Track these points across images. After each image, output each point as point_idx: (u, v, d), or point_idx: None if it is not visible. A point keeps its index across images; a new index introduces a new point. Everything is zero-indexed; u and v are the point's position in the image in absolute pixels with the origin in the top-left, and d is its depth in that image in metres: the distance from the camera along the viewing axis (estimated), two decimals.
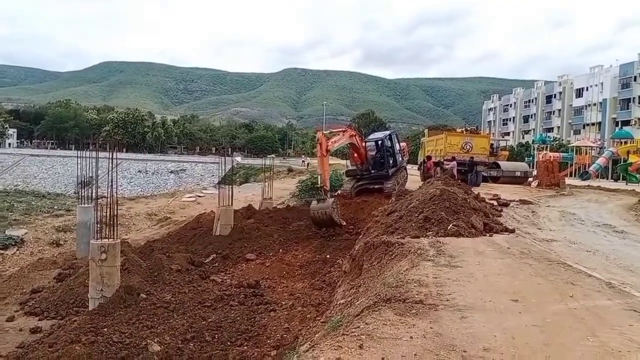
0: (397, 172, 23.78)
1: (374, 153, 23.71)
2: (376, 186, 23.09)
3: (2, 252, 20.50)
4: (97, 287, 10.43)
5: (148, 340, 8.69)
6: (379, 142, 24.00)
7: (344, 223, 18.44)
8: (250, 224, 19.23)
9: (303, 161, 58.35)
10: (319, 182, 18.52)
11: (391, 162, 23.66)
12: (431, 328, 5.09)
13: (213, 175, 49.93)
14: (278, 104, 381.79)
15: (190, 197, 33.91)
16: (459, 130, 39.60)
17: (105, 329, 9.07)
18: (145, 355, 8.22)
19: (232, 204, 19.15)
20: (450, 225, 10.39)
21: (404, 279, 6.83)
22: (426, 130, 41.06)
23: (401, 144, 26.34)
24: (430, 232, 10.16)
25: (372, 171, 23.42)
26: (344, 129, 22.43)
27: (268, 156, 53.41)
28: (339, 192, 24.82)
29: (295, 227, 19.31)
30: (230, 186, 20.14)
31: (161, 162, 60.42)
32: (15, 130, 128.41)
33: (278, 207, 24.39)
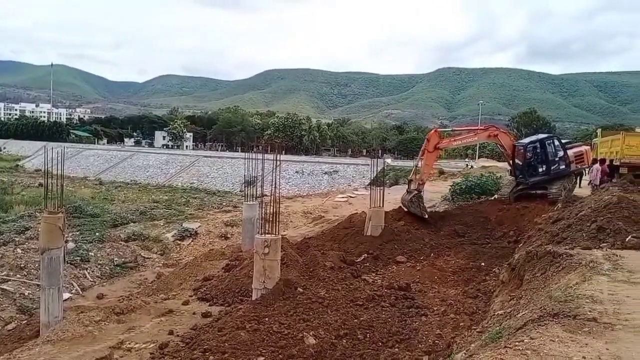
0: (550, 182, 21.21)
1: (529, 156, 21.78)
2: (538, 191, 21.32)
3: (179, 242, 23.15)
4: (260, 278, 11.23)
5: (304, 333, 9.13)
6: (528, 146, 21.91)
7: (427, 216, 19.69)
8: (401, 226, 19.11)
9: (467, 164, 56.22)
10: (410, 175, 20.89)
11: (541, 170, 21.36)
12: (607, 349, 4.57)
13: (364, 177, 50.72)
14: (430, 104, 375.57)
15: (343, 197, 34.76)
16: (638, 130, 34.98)
17: (267, 319, 9.73)
18: (301, 347, 8.65)
19: (383, 205, 19.24)
20: (630, 236, 9.22)
21: (574, 294, 6.24)
22: (599, 130, 36.95)
23: (577, 149, 22.92)
24: (605, 244, 9.13)
25: (520, 176, 21.72)
26: (482, 128, 22.11)
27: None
28: (495, 196, 23.51)
29: (447, 232, 18.75)
30: (381, 187, 20.24)
31: (316, 163, 62.94)
32: (191, 134, 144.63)
33: (429, 210, 23.90)
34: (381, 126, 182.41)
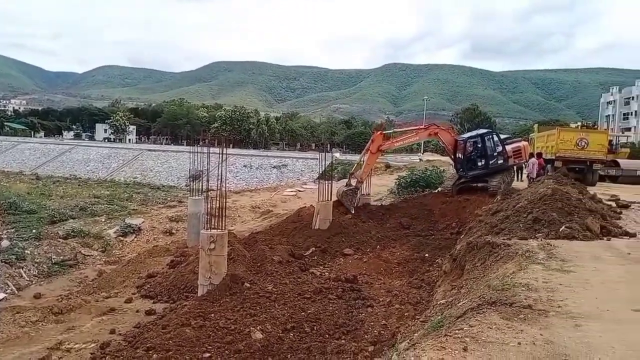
0: (490, 175, 21.85)
1: (469, 150, 22.62)
2: (479, 184, 22.10)
3: (122, 238, 22.47)
4: (206, 274, 11.06)
5: (251, 328, 9.08)
6: (468, 141, 22.78)
7: (352, 211, 20.08)
8: (349, 220, 19.35)
9: (420, 158, 57.38)
10: (353, 169, 21.93)
11: (480, 164, 22.22)
12: (541, 335, 4.80)
13: (312, 171, 50.72)
14: (377, 100, 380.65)
15: (291, 191, 34.75)
16: (572, 125, 36.97)
17: (213, 315, 9.61)
18: (248, 342, 8.60)
19: (331, 199, 19.41)
20: (563, 227, 9.71)
21: (511, 282, 6.51)
22: (536, 126, 38.69)
23: (516, 145, 23.98)
24: (540, 234, 9.58)
25: (461, 170, 22.56)
26: (423, 127, 22.98)
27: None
28: (439, 189, 24.17)
29: (393, 224, 19.14)
30: (330, 181, 20.41)
31: (264, 157, 62.45)
32: (134, 127, 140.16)
33: (375, 203, 24.30)
34: (330, 120, 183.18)
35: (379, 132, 21.94)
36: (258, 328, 9.10)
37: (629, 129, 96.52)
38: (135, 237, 22.64)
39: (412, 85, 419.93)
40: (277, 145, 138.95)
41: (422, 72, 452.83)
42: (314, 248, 16.51)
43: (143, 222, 24.11)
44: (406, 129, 24.56)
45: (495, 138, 22.75)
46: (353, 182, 20.95)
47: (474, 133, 24.29)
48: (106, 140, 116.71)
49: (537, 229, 9.89)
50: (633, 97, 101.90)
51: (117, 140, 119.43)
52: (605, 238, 9.81)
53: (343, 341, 8.83)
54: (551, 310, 5.53)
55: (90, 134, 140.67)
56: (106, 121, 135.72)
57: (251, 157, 62.27)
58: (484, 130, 24.29)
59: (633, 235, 10.21)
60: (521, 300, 5.77)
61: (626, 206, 14.72)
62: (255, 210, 28.14)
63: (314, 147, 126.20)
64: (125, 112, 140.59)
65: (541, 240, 9.21)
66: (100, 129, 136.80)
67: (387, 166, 46.43)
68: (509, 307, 5.56)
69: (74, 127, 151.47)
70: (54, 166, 65.99)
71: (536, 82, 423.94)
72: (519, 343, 4.58)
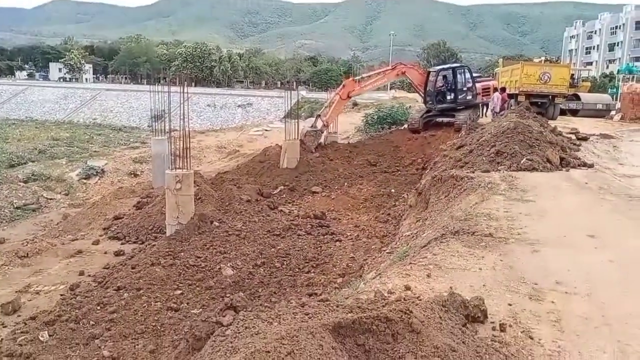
0: (457, 110, 21.77)
1: (440, 84, 22.70)
2: (445, 120, 22.24)
3: (85, 181, 22.00)
4: (174, 214, 11.01)
5: (222, 265, 9.20)
6: (440, 73, 22.89)
7: (313, 151, 19.96)
8: (316, 158, 19.40)
9: (393, 95, 57.19)
10: (321, 110, 21.78)
11: (449, 98, 22.33)
12: (501, 261, 5.02)
13: (279, 110, 50.18)
14: (343, 35, 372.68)
15: (257, 130, 34.39)
16: (536, 60, 37.20)
17: (182, 253, 9.66)
18: (219, 278, 8.74)
19: (298, 138, 19.33)
20: (524, 159, 9.98)
21: (473, 213, 6.72)
22: (501, 60, 38.77)
23: (486, 83, 24.08)
24: (502, 167, 9.83)
25: (429, 102, 22.70)
26: (390, 68, 23.00)
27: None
28: (405, 126, 24.31)
29: (360, 161, 19.30)
30: (296, 120, 20.24)
31: (229, 96, 61.17)
32: (90, 65, 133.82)
33: (343, 141, 24.35)
34: (295, 57, 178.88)
35: (350, 79, 21.82)
36: (228, 265, 9.23)
37: (590, 63, 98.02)
38: (98, 180, 22.20)
39: (378, 19, 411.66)
40: (241, 83, 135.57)
41: (388, 5, 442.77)
42: (282, 187, 16.59)
43: (106, 164, 23.59)
44: (374, 71, 24.45)
45: (467, 74, 22.81)
46: (319, 124, 20.84)
47: (446, 66, 24.40)
48: (62, 80, 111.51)
49: (500, 162, 10.13)
50: (596, 31, 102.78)
51: (74, 80, 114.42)
52: (564, 169, 10.16)
53: (313, 274, 9.08)
54: (511, 238, 5.77)
55: (44, 74, 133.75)
56: (60, 60, 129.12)
57: (214, 95, 60.98)
58: (457, 64, 24.40)
59: (590, 166, 10.60)
60: (483, 229, 5.99)
61: (585, 139, 15.18)
62: (222, 150, 27.83)
63: (279, 85, 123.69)
64: (80, 50, 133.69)
65: (503, 172, 9.46)
66: (55, 68, 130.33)
67: (355, 104, 46.18)
68: (471, 236, 5.76)
69: (26, 66, 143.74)
70: (9, 108, 63.31)
71: (501, 17, 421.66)
72: (480, 268, 4.79)
